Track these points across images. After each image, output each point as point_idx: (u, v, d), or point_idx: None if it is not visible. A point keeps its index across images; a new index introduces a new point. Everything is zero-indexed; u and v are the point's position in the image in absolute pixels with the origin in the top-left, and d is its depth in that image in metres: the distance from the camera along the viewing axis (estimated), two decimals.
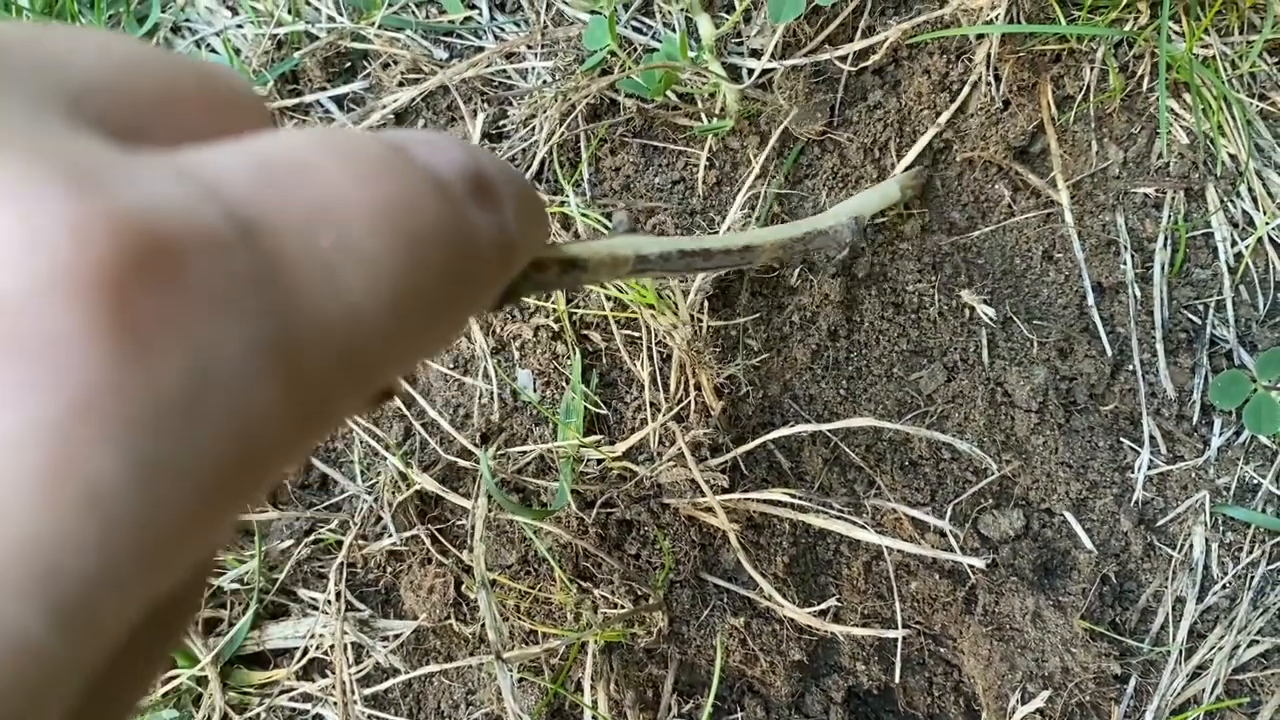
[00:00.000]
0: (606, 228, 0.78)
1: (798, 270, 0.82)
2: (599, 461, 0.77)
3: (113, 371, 0.11)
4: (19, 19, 0.85)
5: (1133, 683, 0.74)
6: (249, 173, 0.13)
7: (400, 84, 0.84)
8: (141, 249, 0.11)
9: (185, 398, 0.12)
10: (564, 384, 0.80)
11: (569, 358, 0.79)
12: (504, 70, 0.85)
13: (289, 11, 0.85)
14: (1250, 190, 0.81)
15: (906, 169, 0.82)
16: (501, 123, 0.85)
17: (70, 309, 0.11)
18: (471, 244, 0.16)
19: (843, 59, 0.82)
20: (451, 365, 0.81)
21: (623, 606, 0.73)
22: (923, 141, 0.81)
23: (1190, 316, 0.81)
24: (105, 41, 0.15)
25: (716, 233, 0.81)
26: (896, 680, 0.75)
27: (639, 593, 0.73)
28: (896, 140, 0.83)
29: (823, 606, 0.75)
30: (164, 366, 0.11)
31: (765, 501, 0.74)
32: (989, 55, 0.81)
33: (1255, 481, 0.77)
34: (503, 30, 0.86)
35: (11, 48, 0.14)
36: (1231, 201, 0.82)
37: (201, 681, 0.75)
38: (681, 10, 0.84)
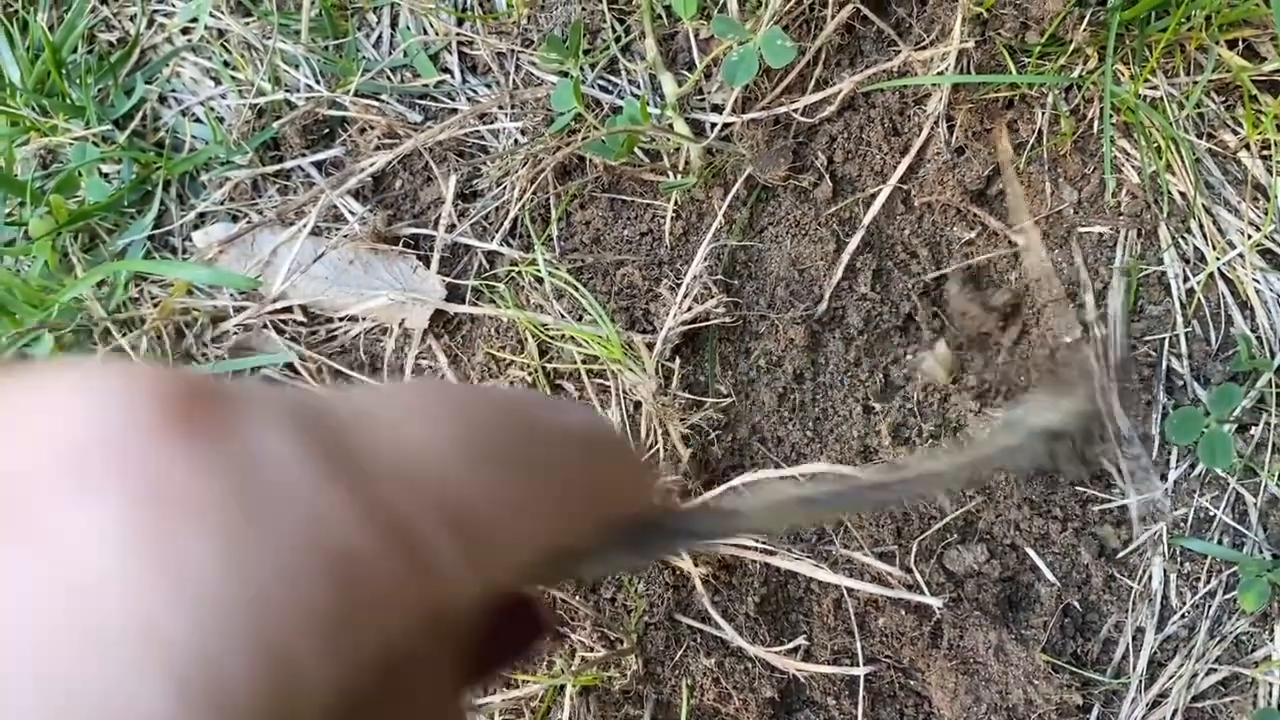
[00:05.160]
0: (574, 285, 0.81)
1: (762, 315, 0.85)
2: None
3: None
4: (10, 95, 0.89)
5: (1095, 713, 0.77)
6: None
7: (377, 148, 0.87)
8: None
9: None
10: None
11: None
12: (477, 131, 0.88)
13: (269, 81, 0.88)
14: (1201, 227, 0.84)
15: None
16: (475, 181, 0.88)
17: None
18: None
19: (800, 111, 0.85)
20: None
21: (598, 650, 0.75)
22: (882, 197, 0.83)
23: (1146, 352, 0.83)
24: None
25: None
26: (860, 716, 0.77)
27: (612, 637, 0.76)
28: (854, 183, 0.86)
29: (792, 645, 0.77)
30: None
31: (732, 545, 0.76)
32: (941, 103, 0.84)
33: (1211, 513, 0.79)
34: (475, 92, 0.90)
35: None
36: (1183, 238, 0.84)
37: None
38: (646, 69, 0.87)
